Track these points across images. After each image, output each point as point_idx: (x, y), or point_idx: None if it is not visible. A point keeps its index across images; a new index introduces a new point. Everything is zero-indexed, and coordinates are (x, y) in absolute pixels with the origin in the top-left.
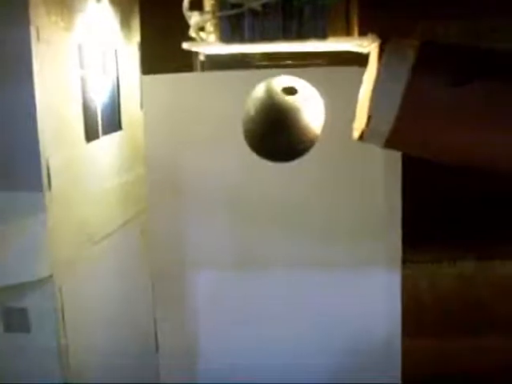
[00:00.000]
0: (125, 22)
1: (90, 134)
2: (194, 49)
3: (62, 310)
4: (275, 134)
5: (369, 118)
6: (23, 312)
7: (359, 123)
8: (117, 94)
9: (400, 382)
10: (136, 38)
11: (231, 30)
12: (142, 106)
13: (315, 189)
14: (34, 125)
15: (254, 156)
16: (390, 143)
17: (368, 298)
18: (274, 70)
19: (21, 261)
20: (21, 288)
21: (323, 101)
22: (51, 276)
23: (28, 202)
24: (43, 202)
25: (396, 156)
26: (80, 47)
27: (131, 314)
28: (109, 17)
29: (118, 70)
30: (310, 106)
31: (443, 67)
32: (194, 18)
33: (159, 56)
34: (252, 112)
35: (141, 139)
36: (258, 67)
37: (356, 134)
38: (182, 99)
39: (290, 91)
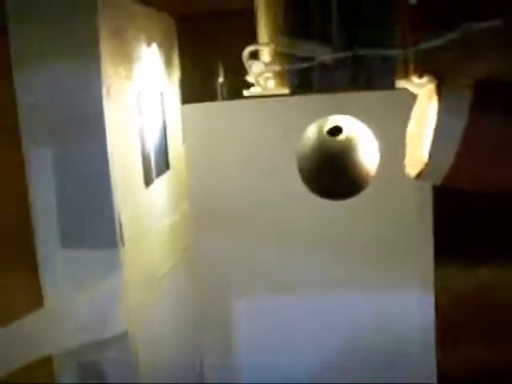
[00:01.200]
0: (168, 61)
1: (147, 179)
2: (255, 95)
3: (137, 362)
4: (323, 175)
5: (429, 157)
6: (98, 367)
7: (412, 161)
8: (164, 135)
9: None
10: (177, 73)
11: (299, 81)
12: (183, 141)
13: (355, 215)
14: (108, 182)
15: (295, 183)
16: (447, 181)
17: (401, 315)
18: (313, 97)
19: (98, 318)
20: (96, 343)
21: (376, 140)
22: (126, 330)
23: (104, 259)
24: (118, 258)
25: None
26: (139, 95)
27: (188, 357)
28: (156, 59)
29: (164, 110)
30: (362, 146)
31: (498, 106)
32: (256, 67)
33: (192, 87)
34: (305, 151)
35: (183, 175)
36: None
37: (412, 173)
38: (220, 127)
39: (335, 131)
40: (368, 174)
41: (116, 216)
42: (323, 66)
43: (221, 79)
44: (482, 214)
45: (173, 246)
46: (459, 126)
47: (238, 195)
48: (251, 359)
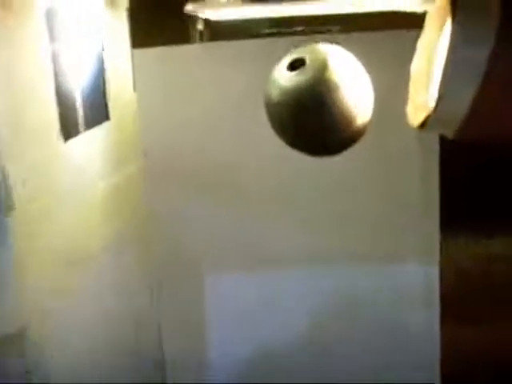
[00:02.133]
0: None
1: (69, 130)
2: (198, 13)
3: (39, 365)
4: (299, 121)
5: (438, 99)
6: None
7: (416, 105)
8: (102, 75)
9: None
10: (123, 2)
11: None
12: (135, 88)
13: (335, 171)
14: None
15: (265, 134)
16: (463, 131)
17: (403, 288)
18: (286, 39)
19: None
20: None
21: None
22: (24, 327)
23: None
24: (5, 226)
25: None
26: (49, 13)
27: (134, 339)
28: None
29: (102, 43)
30: (352, 83)
31: None
32: None
33: (151, 26)
34: (274, 93)
35: (134, 127)
36: (265, 36)
37: (415, 121)
38: (180, 74)
39: (298, 64)
40: (358, 121)
41: None
42: None
43: (199, 24)
44: (495, 181)
45: (118, 209)
46: (481, 58)
47: (201, 153)
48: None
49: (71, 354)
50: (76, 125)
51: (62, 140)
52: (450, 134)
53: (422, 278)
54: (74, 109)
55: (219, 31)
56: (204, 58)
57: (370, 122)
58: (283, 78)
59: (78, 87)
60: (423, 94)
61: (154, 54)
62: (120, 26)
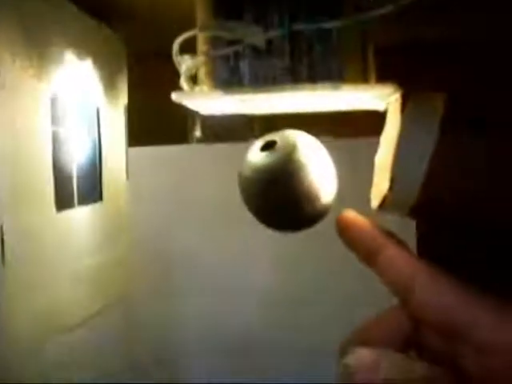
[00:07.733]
0: (110, 80)
1: (63, 202)
2: (184, 101)
3: None
4: (264, 201)
5: (391, 180)
6: None
7: (378, 190)
8: (98, 159)
9: None
10: (123, 99)
11: (228, 73)
12: (127, 176)
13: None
14: None
15: (251, 235)
16: (417, 210)
17: None
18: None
19: None
20: None
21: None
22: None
23: None
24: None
25: None
26: (53, 100)
27: None
28: (92, 72)
29: (99, 130)
30: (318, 164)
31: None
32: (184, 64)
33: (148, 125)
34: (246, 172)
35: (125, 213)
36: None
37: (375, 203)
38: (174, 174)
39: (269, 145)
40: (322, 200)
41: None
42: (256, 53)
43: (197, 130)
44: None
45: (103, 287)
46: (428, 144)
47: (188, 248)
48: None
49: None
50: (71, 198)
51: (55, 209)
52: (405, 213)
53: None
54: (70, 184)
55: (215, 134)
56: (196, 159)
57: (332, 203)
58: (255, 157)
59: (75, 165)
60: (385, 183)
61: (149, 152)
62: (118, 118)
